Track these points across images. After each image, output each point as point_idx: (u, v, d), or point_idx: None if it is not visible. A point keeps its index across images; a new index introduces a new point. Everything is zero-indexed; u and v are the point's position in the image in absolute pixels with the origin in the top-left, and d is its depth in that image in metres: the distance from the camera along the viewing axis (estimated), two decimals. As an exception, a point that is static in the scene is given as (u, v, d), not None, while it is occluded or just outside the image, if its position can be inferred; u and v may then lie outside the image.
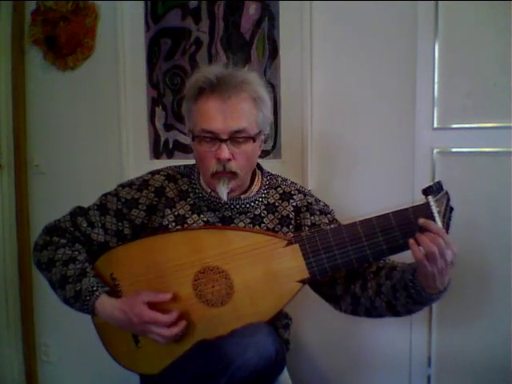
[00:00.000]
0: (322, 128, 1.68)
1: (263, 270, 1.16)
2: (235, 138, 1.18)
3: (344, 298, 1.22)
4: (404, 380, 1.62)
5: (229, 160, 1.18)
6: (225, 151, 1.17)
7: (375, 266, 1.20)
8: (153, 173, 1.36)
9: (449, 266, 1.04)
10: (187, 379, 1.15)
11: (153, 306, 1.17)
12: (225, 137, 1.17)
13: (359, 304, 1.20)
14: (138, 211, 1.30)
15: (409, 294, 1.10)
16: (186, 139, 1.87)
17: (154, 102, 1.92)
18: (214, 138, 1.18)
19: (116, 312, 1.19)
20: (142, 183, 1.33)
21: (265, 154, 1.72)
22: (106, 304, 1.20)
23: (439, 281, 1.05)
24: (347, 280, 1.22)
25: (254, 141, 1.21)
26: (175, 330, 1.17)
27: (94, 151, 2.05)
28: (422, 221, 1.04)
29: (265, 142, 1.31)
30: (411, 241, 1.05)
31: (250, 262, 1.16)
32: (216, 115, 1.17)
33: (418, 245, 1.04)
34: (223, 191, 1.21)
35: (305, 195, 1.33)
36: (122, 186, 1.35)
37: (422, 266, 1.03)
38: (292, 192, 1.33)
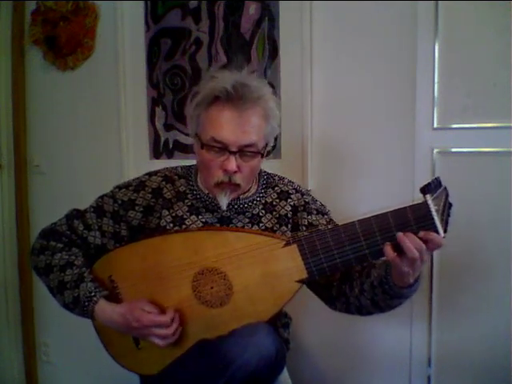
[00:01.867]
0: (322, 128, 1.68)
1: (262, 271, 1.16)
2: (244, 151, 1.18)
3: (338, 299, 1.24)
4: (404, 380, 1.62)
5: (235, 172, 1.19)
6: (233, 163, 1.17)
7: (360, 266, 1.21)
8: (150, 174, 1.36)
9: (422, 263, 1.06)
10: (187, 379, 1.16)
11: (151, 294, 1.18)
12: (234, 149, 1.17)
13: (350, 303, 1.22)
14: (135, 212, 1.30)
15: (384, 290, 1.12)
16: (186, 139, 1.87)
17: (154, 102, 1.92)
18: (223, 149, 1.18)
19: (115, 316, 1.19)
20: (139, 184, 1.33)
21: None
22: (105, 309, 1.20)
23: (412, 276, 1.07)
24: (341, 281, 1.23)
25: (262, 156, 1.23)
26: (174, 327, 1.17)
27: (93, 151, 2.06)
28: (422, 234, 1.04)
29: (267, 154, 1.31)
30: (386, 244, 1.05)
31: (248, 263, 1.16)
32: (229, 126, 1.16)
33: (393, 247, 1.05)
34: (224, 201, 1.22)
35: (302, 194, 1.34)
36: (119, 187, 1.34)
37: (397, 265, 1.05)
38: (290, 191, 1.33)
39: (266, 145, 1.25)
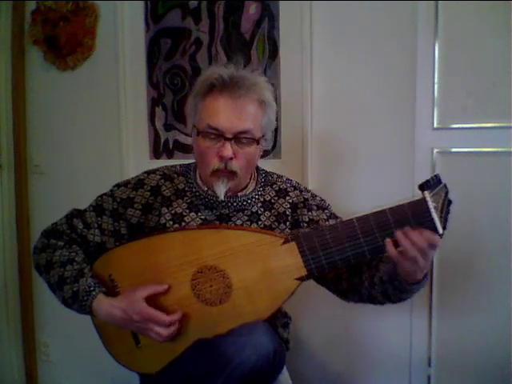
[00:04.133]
0: (322, 128, 1.68)
1: (261, 269, 1.16)
2: (239, 138, 1.19)
3: (350, 290, 1.24)
4: (404, 380, 1.62)
5: (230, 159, 1.19)
6: (228, 149, 1.18)
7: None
8: (148, 172, 1.36)
9: (428, 261, 1.06)
10: (186, 378, 1.15)
11: (152, 304, 1.18)
12: (229, 135, 1.18)
13: (361, 294, 1.22)
14: (134, 210, 1.30)
15: (394, 286, 1.12)
16: (186, 139, 1.87)
17: (154, 102, 1.92)
18: (219, 136, 1.19)
19: (115, 311, 1.19)
20: (138, 182, 1.33)
21: (265, 153, 1.72)
22: (103, 303, 1.20)
23: (419, 273, 1.08)
24: (350, 274, 1.23)
25: (258, 143, 1.23)
26: (173, 329, 1.17)
27: (93, 151, 2.05)
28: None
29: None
30: (387, 240, 1.06)
31: (247, 261, 1.16)
32: (224, 113, 1.18)
33: (396, 246, 1.05)
34: (221, 190, 1.22)
35: (301, 191, 1.34)
36: (118, 185, 1.35)
37: (400, 263, 1.06)
38: (288, 189, 1.34)
39: (263, 136, 1.25)
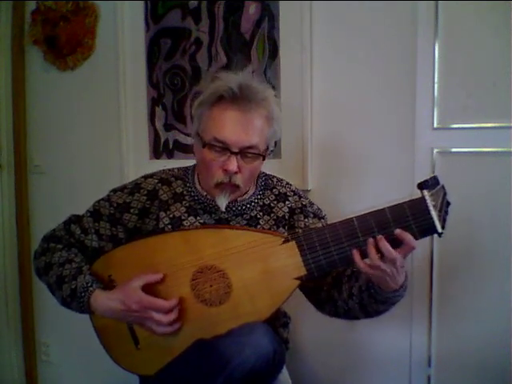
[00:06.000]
0: (322, 128, 1.68)
1: (261, 268, 1.16)
2: (245, 152, 1.19)
3: (327, 302, 1.25)
4: (404, 380, 1.62)
5: (235, 173, 1.19)
6: (233, 164, 1.17)
7: (350, 270, 1.22)
8: (146, 176, 1.36)
9: (400, 269, 1.07)
10: (185, 379, 1.15)
11: (150, 294, 1.17)
12: (236, 150, 1.17)
13: (337, 306, 1.22)
14: (130, 215, 1.30)
15: (370, 294, 1.13)
16: (186, 139, 1.87)
17: (154, 102, 1.92)
18: (225, 149, 1.18)
19: (113, 303, 1.18)
20: (134, 187, 1.33)
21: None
22: (101, 298, 1.20)
23: (392, 282, 1.08)
24: (331, 286, 1.24)
25: (264, 158, 1.23)
26: (173, 316, 1.17)
27: (94, 151, 2.06)
28: (398, 231, 1.05)
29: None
30: (354, 251, 1.08)
31: (247, 261, 1.16)
32: (231, 126, 1.17)
33: (362, 256, 1.07)
34: (223, 202, 1.22)
35: (300, 197, 1.34)
36: (114, 190, 1.35)
37: (368, 273, 1.08)
38: (287, 193, 1.34)
39: (267, 148, 1.25)
